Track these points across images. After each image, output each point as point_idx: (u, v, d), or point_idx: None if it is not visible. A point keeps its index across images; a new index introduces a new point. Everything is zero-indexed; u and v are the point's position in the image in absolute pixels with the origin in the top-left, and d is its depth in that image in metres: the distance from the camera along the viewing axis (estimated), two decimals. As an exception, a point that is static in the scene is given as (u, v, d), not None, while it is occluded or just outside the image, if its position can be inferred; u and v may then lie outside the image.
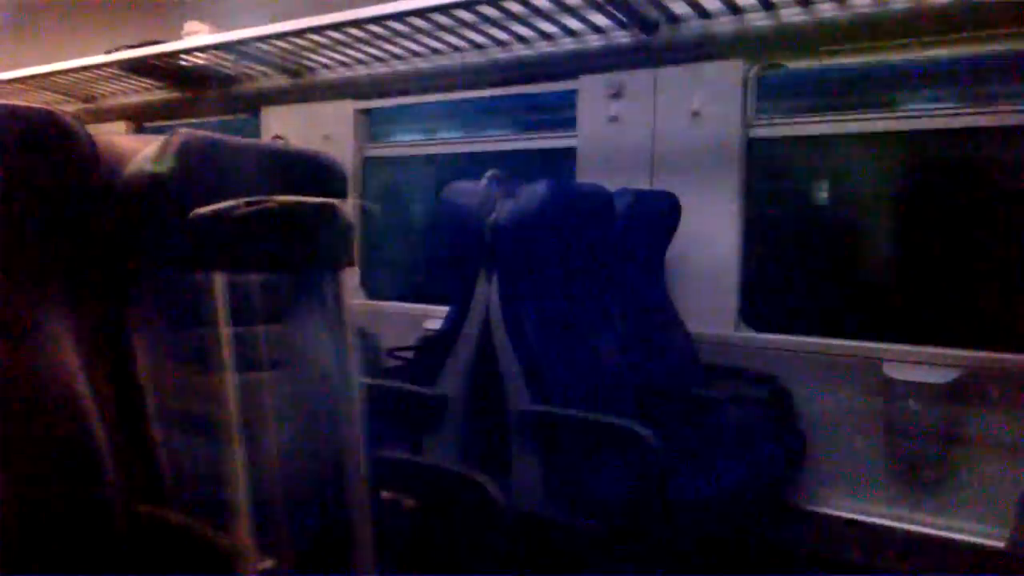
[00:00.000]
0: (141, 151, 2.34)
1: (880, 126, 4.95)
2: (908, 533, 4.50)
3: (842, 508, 4.77)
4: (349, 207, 2.40)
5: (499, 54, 6.16)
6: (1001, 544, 3.81)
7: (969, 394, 4.32)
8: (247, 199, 2.17)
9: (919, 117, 4.94)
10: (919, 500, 4.53)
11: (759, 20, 5.01)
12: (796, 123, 5.25)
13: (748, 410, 4.83)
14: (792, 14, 4.90)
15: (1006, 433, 4.21)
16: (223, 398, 2.15)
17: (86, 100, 9.10)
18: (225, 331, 2.15)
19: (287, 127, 7.48)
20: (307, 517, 2.51)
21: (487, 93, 6.57)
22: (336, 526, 2.45)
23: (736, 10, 5.02)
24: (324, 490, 2.58)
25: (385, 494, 2.74)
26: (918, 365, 4.43)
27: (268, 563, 2.14)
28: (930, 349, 4.49)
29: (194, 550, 2.05)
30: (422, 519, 2.81)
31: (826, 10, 4.77)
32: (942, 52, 4.70)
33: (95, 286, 2.28)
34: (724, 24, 5.16)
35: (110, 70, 7.76)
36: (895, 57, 4.87)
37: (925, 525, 4.49)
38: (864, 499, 4.70)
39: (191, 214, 2.12)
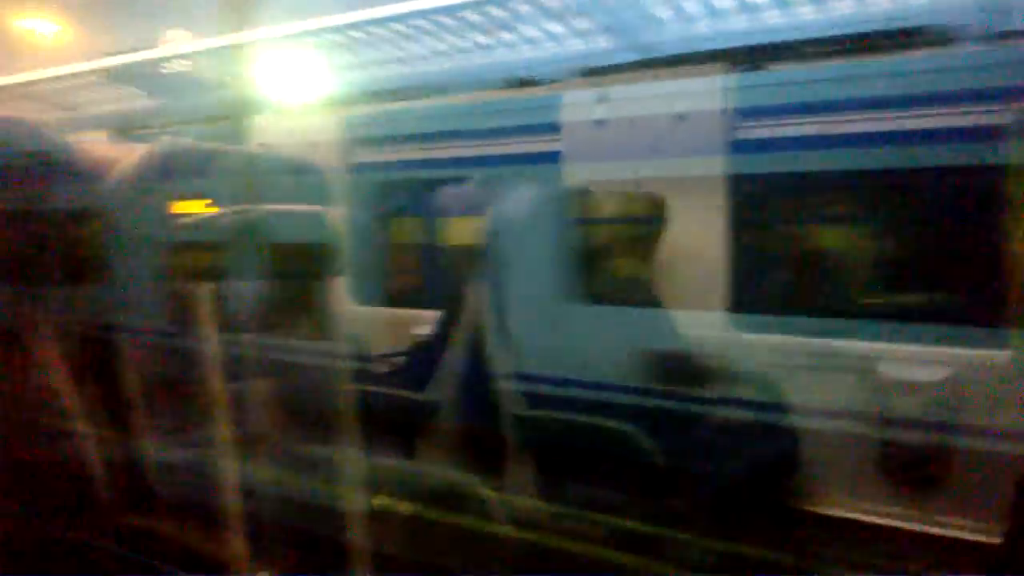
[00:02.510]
0: (124, 160, 2.33)
1: (861, 127, 4.96)
2: (903, 531, 4.51)
3: (836, 507, 4.77)
4: (336, 214, 2.40)
5: (482, 59, 6.15)
6: (996, 540, 3.83)
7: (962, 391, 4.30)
8: (233, 207, 2.17)
9: (900, 118, 4.94)
10: (913, 498, 4.53)
11: (740, 24, 5.03)
12: (780, 125, 5.25)
13: (741, 410, 4.83)
14: (773, 16, 4.92)
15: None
16: (213, 406, 2.14)
17: (66, 109, 9.00)
18: (212, 338, 2.14)
19: (273, 134, 7.43)
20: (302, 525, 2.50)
21: (475, 98, 6.55)
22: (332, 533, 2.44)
23: (716, 14, 5.04)
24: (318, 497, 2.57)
25: (378, 500, 2.73)
26: (914, 364, 4.40)
27: (263, 573, 2.12)
28: (925, 348, 4.47)
29: (187, 560, 2.03)
30: (417, 525, 2.80)
31: (806, 13, 4.79)
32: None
33: (82, 294, 2.26)
34: (705, 27, 5.17)
35: (91, 79, 7.68)
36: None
37: (919, 522, 4.50)
38: (858, 497, 4.70)
39: (174, 223, 2.11)
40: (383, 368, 5.26)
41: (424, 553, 2.75)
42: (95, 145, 5.22)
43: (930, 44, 4.59)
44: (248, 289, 2.64)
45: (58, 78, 7.73)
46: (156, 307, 2.79)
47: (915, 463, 4.23)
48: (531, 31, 5.75)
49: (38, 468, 2.42)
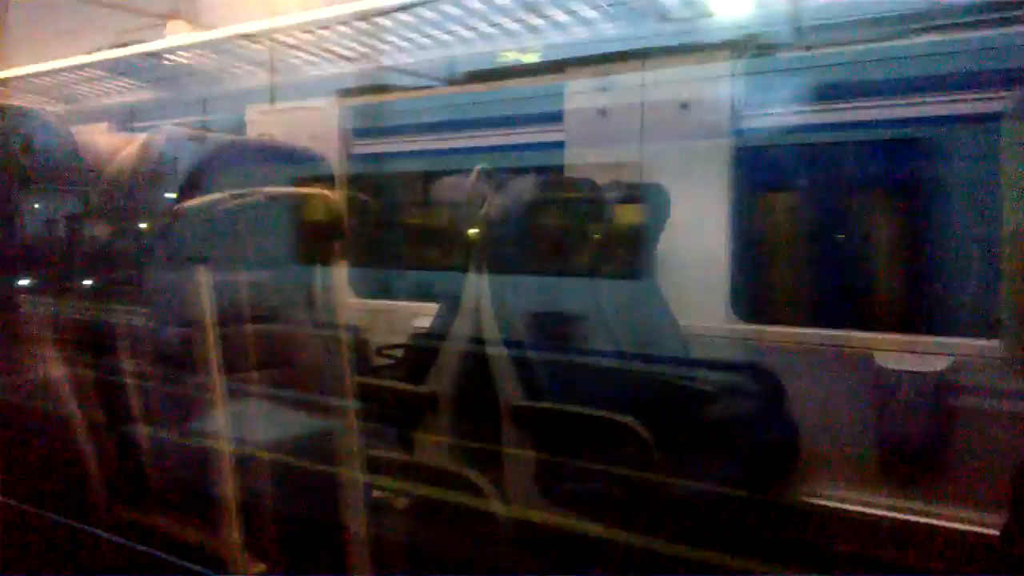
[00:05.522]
0: (124, 149, 2.30)
1: (865, 115, 4.92)
2: (901, 523, 4.49)
3: (834, 499, 4.76)
4: (337, 199, 2.37)
5: (485, 48, 6.11)
6: (995, 532, 3.80)
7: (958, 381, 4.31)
8: (233, 192, 2.14)
9: (905, 105, 4.90)
10: (911, 489, 4.52)
11: (745, 10, 4.99)
12: (786, 114, 5.22)
13: (740, 401, 4.81)
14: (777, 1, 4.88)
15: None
16: (213, 398, 2.11)
17: (68, 101, 9.00)
18: (212, 329, 2.12)
19: (273, 125, 7.40)
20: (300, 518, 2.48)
21: (472, 89, 6.52)
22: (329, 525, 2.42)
23: None
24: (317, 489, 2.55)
25: (377, 493, 2.71)
26: (910, 354, 4.42)
27: (260, 567, 2.10)
28: (921, 338, 4.48)
29: (184, 554, 2.01)
30: (414, 517, 2.78)
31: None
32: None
33: (80, 284, 2.24)
34: (711, 14, 5.13)
35: (92, 71, 7.68)
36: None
37: (918, 514, 4.48)
38: (856, 489, 4.68)
39: (175, 208, 2.09)
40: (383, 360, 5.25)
41: (423, 544, 2.74)
42: (98, 136, 5.19)
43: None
44: (247, 276, 2.63)
45: (59, 71, 7.74)
46: (153, 296, 2.77)
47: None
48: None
49: (32, 456, 2.41)
